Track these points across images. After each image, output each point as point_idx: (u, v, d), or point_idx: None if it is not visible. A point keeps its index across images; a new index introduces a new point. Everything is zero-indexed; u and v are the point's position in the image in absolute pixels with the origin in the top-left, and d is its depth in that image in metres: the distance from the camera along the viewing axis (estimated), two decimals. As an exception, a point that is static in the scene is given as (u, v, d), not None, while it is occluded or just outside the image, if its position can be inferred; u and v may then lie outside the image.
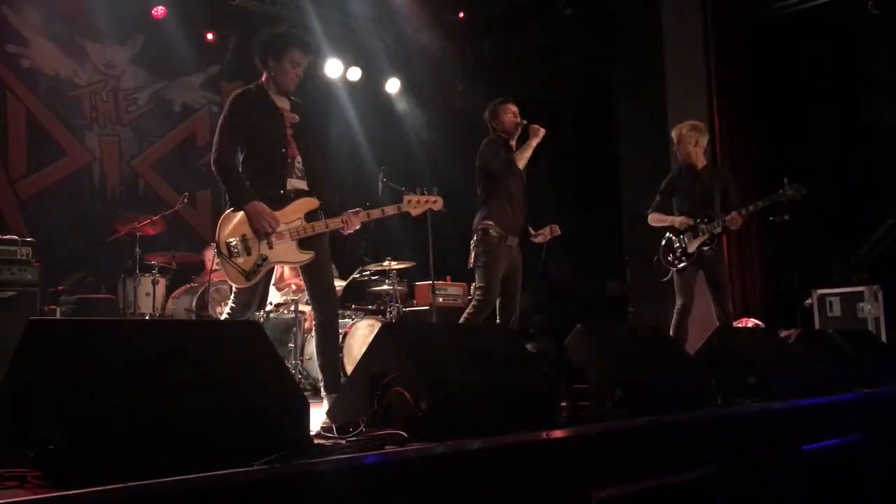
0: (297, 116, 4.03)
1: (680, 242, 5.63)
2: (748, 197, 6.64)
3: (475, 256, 5.13)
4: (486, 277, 5.05)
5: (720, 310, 5.54)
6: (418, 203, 4.28)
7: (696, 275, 5.61)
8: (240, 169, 3.89)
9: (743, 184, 8.12)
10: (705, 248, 5.52)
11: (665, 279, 5.76)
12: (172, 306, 6.98)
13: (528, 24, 9.21)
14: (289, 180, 3.93)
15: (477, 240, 5.15)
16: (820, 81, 7.71)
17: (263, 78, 4.05)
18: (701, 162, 5.75)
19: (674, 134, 5.85)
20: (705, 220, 5.52)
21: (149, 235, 7.02)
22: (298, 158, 3.98)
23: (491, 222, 5.12)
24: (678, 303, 5.64)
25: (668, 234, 5.74)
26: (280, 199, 3.89)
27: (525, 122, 5.25)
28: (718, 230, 5.50)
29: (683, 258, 5.59)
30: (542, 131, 5.17)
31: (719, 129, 8.09)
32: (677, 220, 5.63)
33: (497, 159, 5.20)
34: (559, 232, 5.28)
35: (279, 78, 3.98)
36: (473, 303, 5.11)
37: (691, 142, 5.69)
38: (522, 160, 5.18)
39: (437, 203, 4.36)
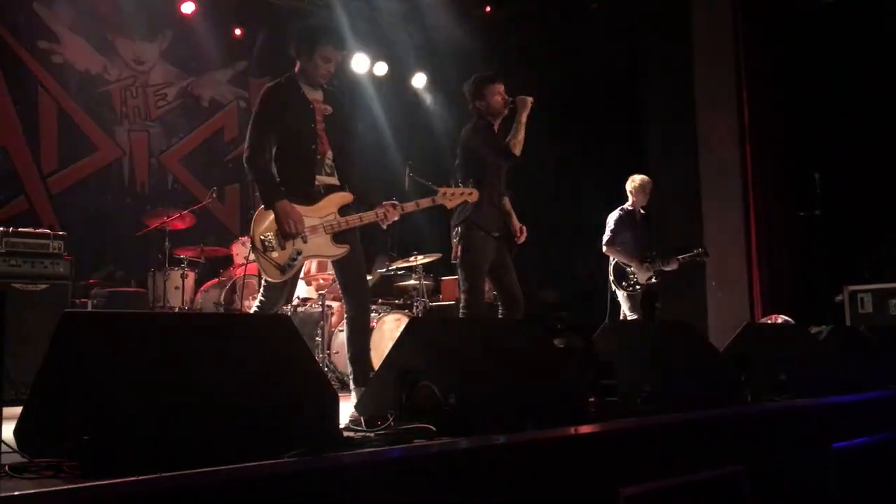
0: (329, 108, 4.02)
1: (632, 273, 6.53)
2: (783, 188, 7.66)
3: (460, 254, 4.77)
4: (471, 278, 4.73)
5: None
6: (453, 195, 4.26)
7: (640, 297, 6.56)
8: (271, 164, 3.90)
9: (773, 180, 8.05)
10: (653, 281, 6.50)
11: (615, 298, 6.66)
12: (201, 300, 7.04)
13: (555, 17, 9.16)
14: (318, 177, 3.94)
15: (461, 234, 4.76)
16: (852, 73, 7.58)
17: (296, 69, 4.03)
18: (642, 208, 6.80)
19: (633, 185, 6.76)
20: (650, 259, 6.50)
21: (178, 229, 7.08)
22: (329, 154, 3.98)
23: (475, 218, 4.72)
24: (634, 317, 6.47)
25: (621, 266, 6.61)
26: (310, 195, 3.90)
27: (512, 100, 4.78)
28: (663, 268, 6.50)
29: (637, 286, 6.51)
30: (530, 101, 4.73)
31: (749, 121, 8.00)
32: (637, 265, 6.51)
33: (492, 147, 4.77)
34: (522, 239, 4.98)
35: (310, 71, 3.97)
36: (461, 308, 4.75)
37: (646, 191, 6.73)
38: (519, 145, 4.69)
39: (472, 195, 4.33)
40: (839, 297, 7.09)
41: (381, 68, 9.98)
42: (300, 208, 3.85)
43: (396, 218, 4.03)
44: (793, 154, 8.06)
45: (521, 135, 4.70)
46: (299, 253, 3.83)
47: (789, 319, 6.75)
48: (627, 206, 6.77)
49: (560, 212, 8.91)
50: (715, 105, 8.24)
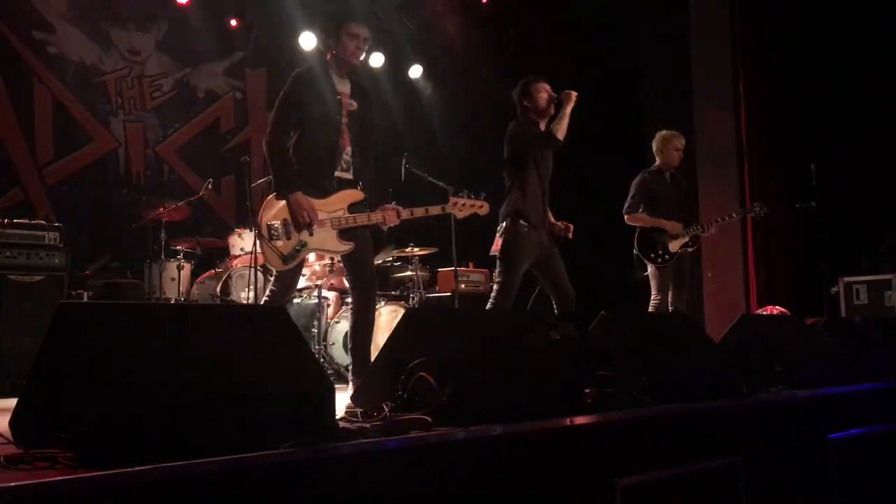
0: (354, 104, 4.01)
1: (661, 242, 5.92)
2: (779, 180, 7.62)
3: (501, 246, 4.92)
4: (507, 271, 4.87)
5: (681, 307, 5.94)
6: (464, 206, 4.21)
7: (672, 272, 5.95)
8: (290, 152, 3.88)
9: (770, 171, 8.05)
10: (688, 249, 5.94)
11: (644, 273, 6.02)
12: (197, 291, 7.03)
13: (552, 8, 9.14)
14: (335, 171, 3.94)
15: (504, 228, 4.94)
16: (849, 64, 7.56)
17: (328, 58, 4.02)
18: (675, 166, 6.13)
19: (655, 143, 6.15)
20: (684, 223, 5.94)
21: (174, 221, 7.07)
22: (348, 149, 3.97)
23: (519, 212, 4.93)
24: (658, 298, 5.92)
25: (646, 233, 5.97)
26: (324, 189, 3.89)
27: (556, 96, 5.01)
28: (699, 234, 5.98)
29: (666, 256, 5.89)
30: (574, 95, 4.96)
31: (745, 112, 8.01)
32: (667, 225, 5.92)
33: (537, 134, 4.98)
34: (570, 234, 5.18)
35: (341, 54, 3.94)
36: (492, 298, 4.92)
37: (669, 149, 6.06)
38: (562, 130, 4.91)
39: (483, 208, 4.27)
40: (835, 289, 7.11)
41: (378, 59, 9.94)
42: (312, 201, 3.84)
43: (397, 222, 4.01)
44: (790, 145, 8.07)
45: (565, 123, 4.91)
46: (304, 244, 3.83)
47: (784, 311, 6.76)
48: (653, 167, 6.20)
49: (557, 204, 8.89)
50: (712, 96, 8.25)
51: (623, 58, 8.80)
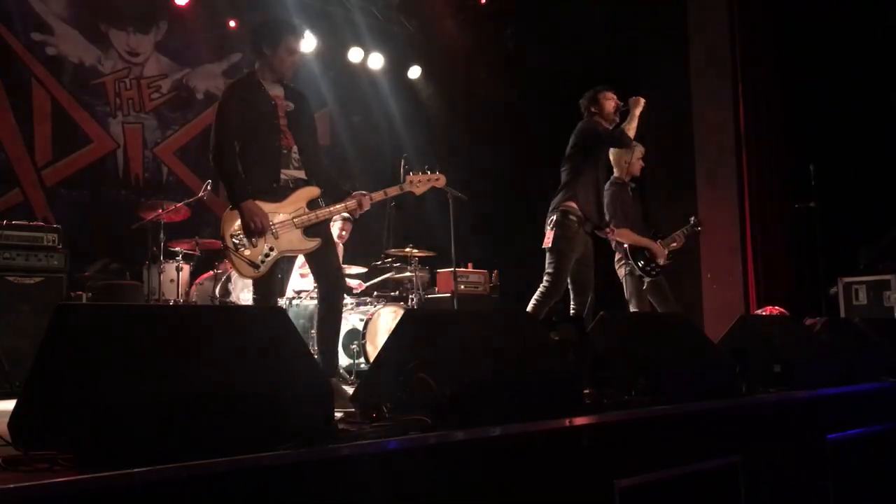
0: (291, 104, 4.04)
1: (649, 255, 5.73)
2: (779, 179, 7.65)
3: (553, 238, 5.09)
4: (559, 263, 5.05)
5: None
6: (420, 182, 4.28)
7: (652, 286, 5.78)
8: (237, 162, 3.91)
9: (768, 171, 8.05)
10: (667, 262, 5.82)
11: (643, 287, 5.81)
12: (196, 292, 7.03)
13: (550, 9, 9.14)
14: (284, 171, 3.96)
15: (556, 221, 5.10)
16: (847, 64, 7.56)
17: (257, 66, 4.05)
18: (636, 176, 5.90)
19: (621, 154, 5.82)
20: (660, 237, 5.81)
21: (173, 222, 7.06)
22: (295, 148, 4.00)
23: (574, 205, 5.10)
24: (637, 309, 5.76)
25: (636, 249, 5.74)
26: (276, 192, 3.92)
27: (624, 104, 5.27)
28: (674, 248, 5.88)
29: (657, 270, 5.76)
30: (643, 100, 5.24)
31: (744, 113, 8.01)
32: (654, 246, 5.73)
33: (607, 130, 5.20)
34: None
35: (277, 66, 3.99)
36: (542, 288, 5.07)
37: (637, 156, 5.80)
38: (632, 131, 5.20)
39: (439, 181, 4.37)
40: (834, 289, 7.11)
41: (377, 60, 9.95)
42: (268, 205, 3.87)
43: (367, 208, 4.08)
44: (788, 145, 8.07)
45: (634, 125, 5.24)
46: (272, 249, 3.87)
47: (783, 311, 6.76)
48: (617, 179, 5.79)
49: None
50: (711, 97, 8.25)
51: (623, 58, 8.80)
